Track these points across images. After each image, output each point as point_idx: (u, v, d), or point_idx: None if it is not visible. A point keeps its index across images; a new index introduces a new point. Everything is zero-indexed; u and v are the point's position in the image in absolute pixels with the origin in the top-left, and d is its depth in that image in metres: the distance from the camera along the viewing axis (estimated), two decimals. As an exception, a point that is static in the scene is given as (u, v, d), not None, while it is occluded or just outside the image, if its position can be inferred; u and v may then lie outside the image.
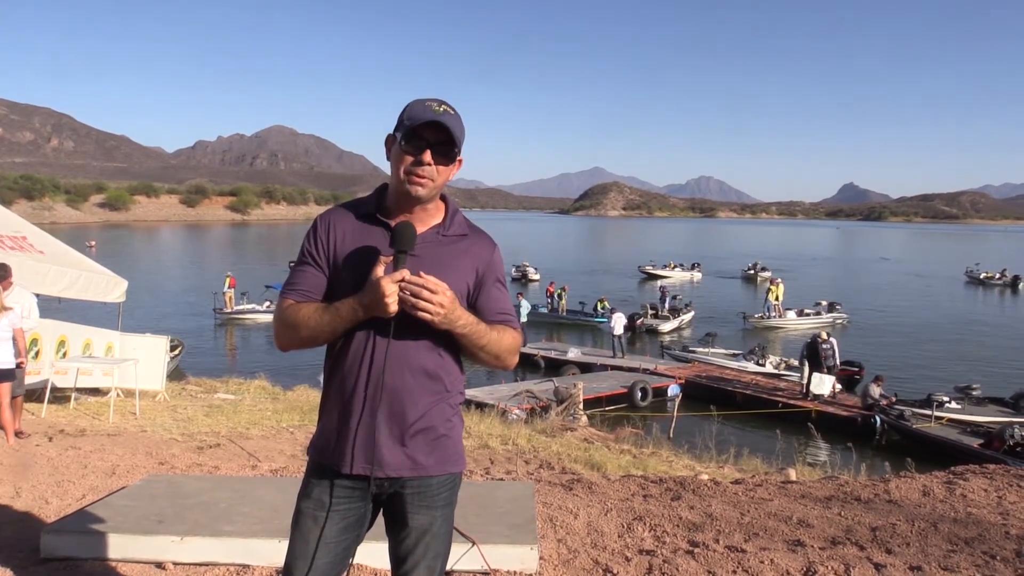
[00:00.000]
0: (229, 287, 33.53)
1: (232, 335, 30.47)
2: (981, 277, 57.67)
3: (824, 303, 36.33)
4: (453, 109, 2.01)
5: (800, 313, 35.05)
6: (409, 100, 2.04)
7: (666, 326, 32.47)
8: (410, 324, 1.98)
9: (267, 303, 32.48)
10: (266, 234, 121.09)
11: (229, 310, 32.80)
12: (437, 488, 2.09)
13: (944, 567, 3.91)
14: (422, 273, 1.90)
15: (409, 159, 1.99)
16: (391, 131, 2.06)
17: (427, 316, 1.90)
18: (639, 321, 31.73)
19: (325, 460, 2.08)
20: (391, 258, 1.95)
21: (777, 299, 35.31)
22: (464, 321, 1.97)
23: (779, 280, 38.01)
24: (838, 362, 19.89)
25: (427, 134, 1.97)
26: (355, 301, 1.95)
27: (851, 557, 4.01)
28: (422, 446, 2.06)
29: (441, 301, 1.89)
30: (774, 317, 34.79)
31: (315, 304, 2.04)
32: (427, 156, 1.98)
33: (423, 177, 1.99)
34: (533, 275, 51.26)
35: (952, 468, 6.47)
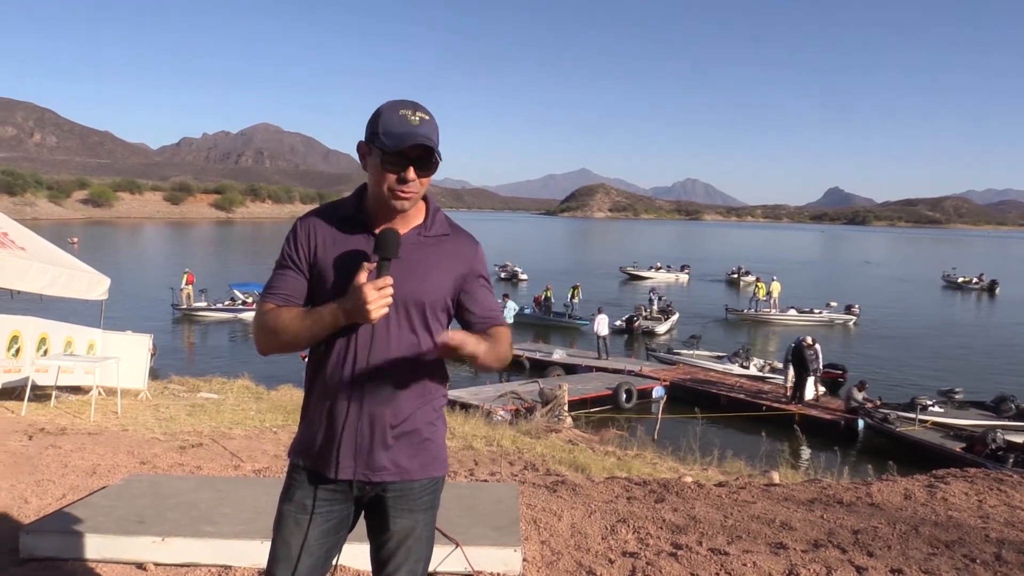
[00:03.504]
0: (187, 283, 33.61)
1: (190, 332, 30.41)
2: (959, 281, 58.28)
3: (835, 304, 37.25)
4: (428, 113, 1.97)
5: (802, 311, 36.49)
6: (386, 101, 1.99)
7: (662, 327, 32.78)
8: (394, 328, 1.98)
9: (228, 301, 32.92)
10: (251, 233, 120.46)
11: (185, 306, 32.86)
12: (419, 492, 2.08)
13: (925, 570, 3.93)
14: (449, 332, 1.92)
15: (392, 178, 1.95)
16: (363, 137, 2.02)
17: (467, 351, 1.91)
18: (636, 323, 31.99)
19: (307, 463, 2.06)
20: (374, 264, 1.93)
21: (771, 294, 37.25)
22: (484, 347, 1.96)
23: (759, 278, 39.39)
24: (821, 366, 20.04)
25: (409, 151, 1.93)
26: (337, 307, 1.92)
27: (833, 560, 4.03)
28: (405, 449, 2.04)
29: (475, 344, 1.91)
30: (766, 312, 36.56)
31: (296, 309, 2.02)
32: (411, 173, 1.95)
33: (408, 192, 1.97)
34: (522, 276, 51.35)
35: (933, 472, 6.52)
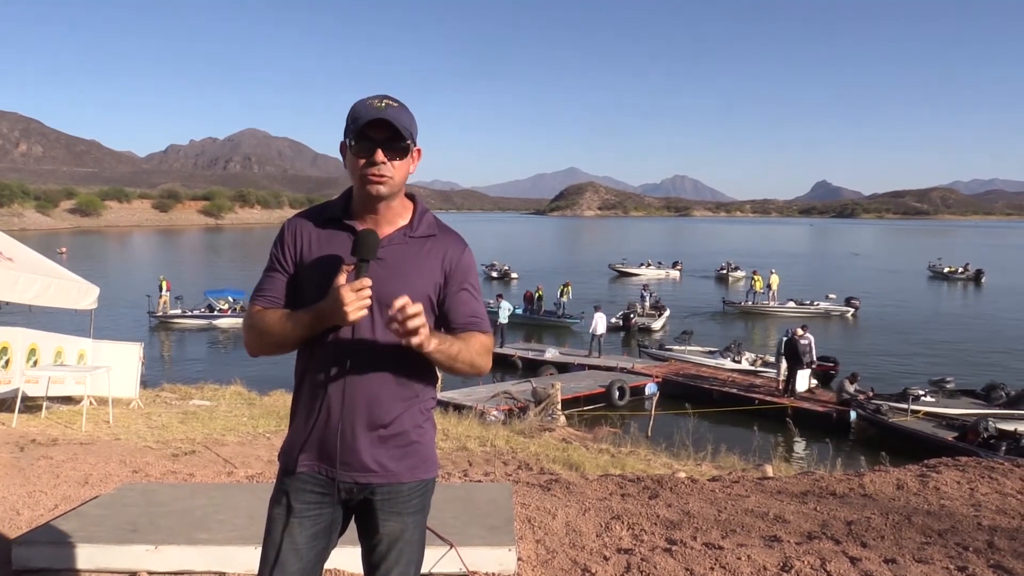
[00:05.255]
0: (166, 290, 33.63)
1: (167, 339, 30.15)
2: (944, 272, 58.66)
3: (834, 296, 37.71)
4: (397, 102, 1.97)
5: (801, 303, 36.94)
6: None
7: (657, 324, 32.92)
8: (379, 329, 1.98)
9: (204, 308, 33.03)
10: (240, 238, 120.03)
11: (161, 314, 32.84)
12: (408, 494, 2.08)
13: (918, 559, 3.95)
14: (403, 301, 1.83)
15: (361, 161, 1.96)
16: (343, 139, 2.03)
17: (417, 339, 1.84)
18: (633, 320, 32.06)
19: (294, 467, 2.06)
20: (353, 266, 1.93)
21: (770, 287, 38.07)
22: (436, 341, 1.92)
23: (757, 271, 40.57)
24: (815, 358, 20.12)
25: (374, 133, 1.94)
26: (316, 309, 1.93)
27: (827, 551, 4.05)
28: (392, 452, 2.04)
29: (419, 317, 1.83)
30: (765, 304, 37.24)
31: (281, 311, 2.03)
32: (379, 155, 1.95)
33: (380, 175, 1.96)
34: (513, 275, 51.43)
35: (925, 461, 6.55)
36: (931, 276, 59.73)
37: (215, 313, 32.51)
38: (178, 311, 33.05)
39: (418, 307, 1.84)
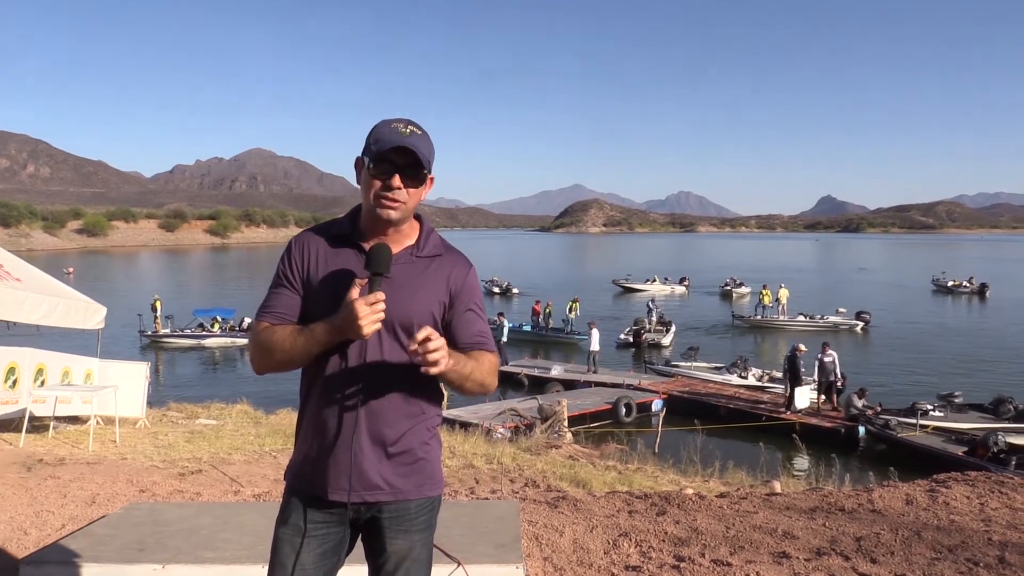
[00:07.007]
0: (160, 310, 33.81)
1: (158, 359, 29.77)
2: (948, 285, 58.46)
3: (843, 310, 37.78)
4: (420, 129, 2.00)
5: (811, 317, 37.16)
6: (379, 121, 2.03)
7: (666, 339, 32.91)
8: (386, 347, 1.98)
9: (198, 327, 33.10)
10: (246, 257, 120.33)
11: (151, 333, 32.92)
12: (415, 512, 2.08)
13: (928, 575, 3.93)
14: (427, 333, 1.84)
15: (378, 184, 1.98)
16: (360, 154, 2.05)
17: (438, 369, 1.86)
18: (643, 336, 32.05)
19: (301, 485, 2.07)
20: (366, 280, 1.94)
21: (779, 301, 38.30)
22: (451, 362, 1.93)
23: (766, 285, 40.54)
24: (839, 373, 20.06)
25: (395, 158, 1.96)
26: (329, 323, 1.93)
27: (836, 567, 4.03)
28: (399, 470, 2.04)
29: (442, 350, 1.85)
30: (774, 318, 37.55)
31: (290, 326, 2.02)
32: (396, 180, 1.97)
33: (394, 201, 1.98)
34: (515, 291, 51.49)
35: (934, 476, 6.52)
36: (935, 290, 59.53)
37: (204, 332, 32.58)
38: (167, 330, 33.08)
39: (441, 341, 1.85)
